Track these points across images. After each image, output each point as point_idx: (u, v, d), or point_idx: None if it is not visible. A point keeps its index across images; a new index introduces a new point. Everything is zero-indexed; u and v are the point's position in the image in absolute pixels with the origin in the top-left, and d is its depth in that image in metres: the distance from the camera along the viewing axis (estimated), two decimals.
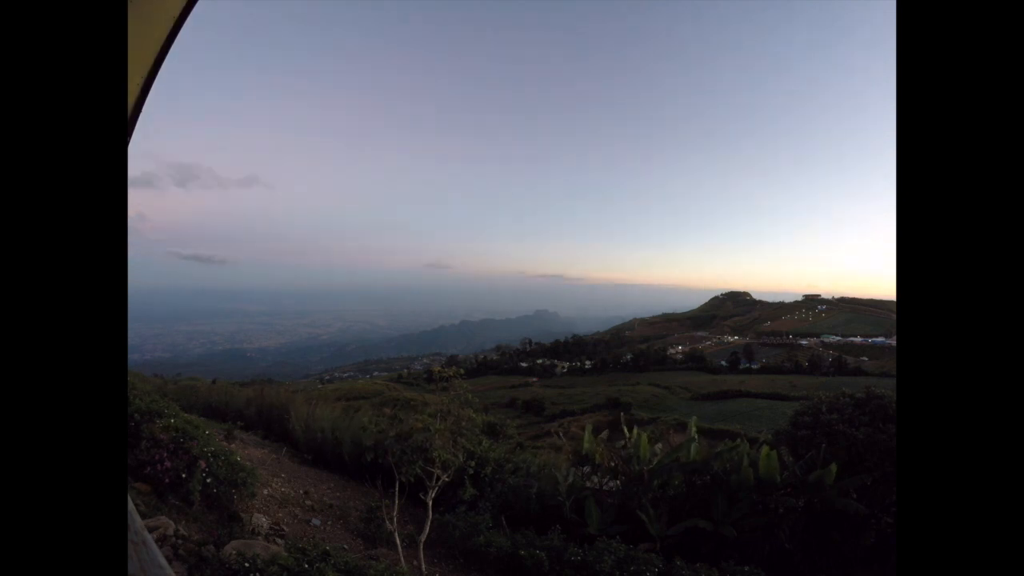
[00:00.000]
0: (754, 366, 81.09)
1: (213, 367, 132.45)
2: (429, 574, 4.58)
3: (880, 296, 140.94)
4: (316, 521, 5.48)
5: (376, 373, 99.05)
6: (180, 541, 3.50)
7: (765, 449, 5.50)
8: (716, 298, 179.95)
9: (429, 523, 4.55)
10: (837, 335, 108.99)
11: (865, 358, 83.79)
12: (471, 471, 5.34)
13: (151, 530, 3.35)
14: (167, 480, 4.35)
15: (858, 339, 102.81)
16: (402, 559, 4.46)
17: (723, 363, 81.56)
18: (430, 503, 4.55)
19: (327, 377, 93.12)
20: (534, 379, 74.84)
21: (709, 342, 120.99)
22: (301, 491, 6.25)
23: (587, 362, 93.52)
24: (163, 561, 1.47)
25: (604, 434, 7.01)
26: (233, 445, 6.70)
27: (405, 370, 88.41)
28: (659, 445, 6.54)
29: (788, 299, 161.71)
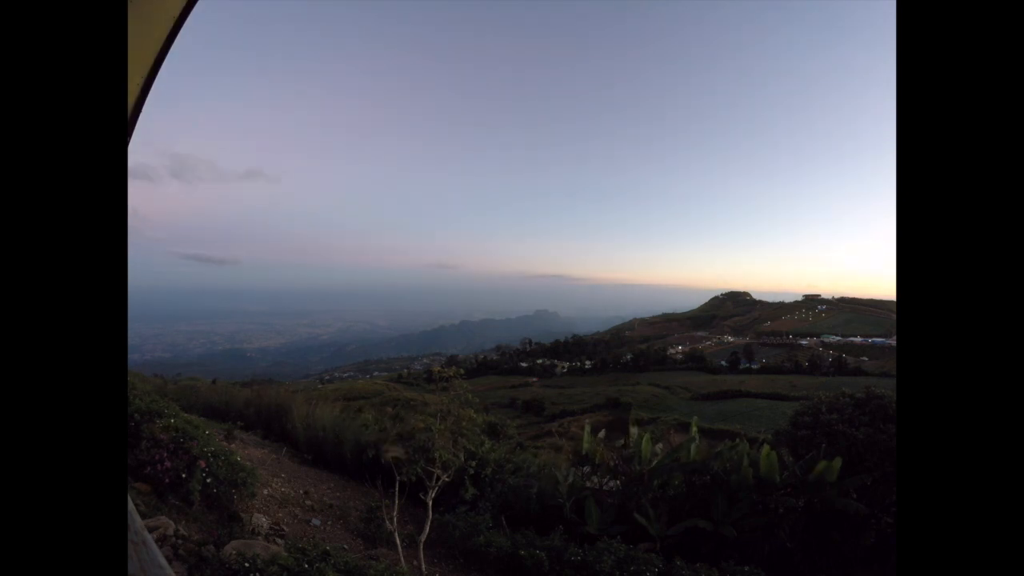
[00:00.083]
0: (754, 366, 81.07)
1: (213, 367, 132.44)
2: (429, 574, 4.58)
3: (880, 296, 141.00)
4: (316, 521, 5.48)
5: (376, 373, 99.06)
6: (180, 541, 3.50)
7: (765, 449, 5.50)
8: (716, 298, 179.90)
9: (429, 523, 4.55)
10: (837, 335, 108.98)
11: (865, 358, 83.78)
12: (471, 471, 5.34)
13: (151, 530, 3.35)
14: (167, 480, 4.35)
15: (858, 339, 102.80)
16: (402, 559, 4.46)
17: (723, 363, 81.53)
18: (430, 503, 4.55)
19: (327, 377, 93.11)
20: (534, 379, 74.81)
21: (709, 342, 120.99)
22: (301, 491, 6.26)
23: (587, 362, 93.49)
24: (163, 561, 1.47)
25: (602, 434, 7.01)
26: (233, 445, 6.70)
27: (405, 370, 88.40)
28: (659, 445, 6.54)
29: (788, 299, 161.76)
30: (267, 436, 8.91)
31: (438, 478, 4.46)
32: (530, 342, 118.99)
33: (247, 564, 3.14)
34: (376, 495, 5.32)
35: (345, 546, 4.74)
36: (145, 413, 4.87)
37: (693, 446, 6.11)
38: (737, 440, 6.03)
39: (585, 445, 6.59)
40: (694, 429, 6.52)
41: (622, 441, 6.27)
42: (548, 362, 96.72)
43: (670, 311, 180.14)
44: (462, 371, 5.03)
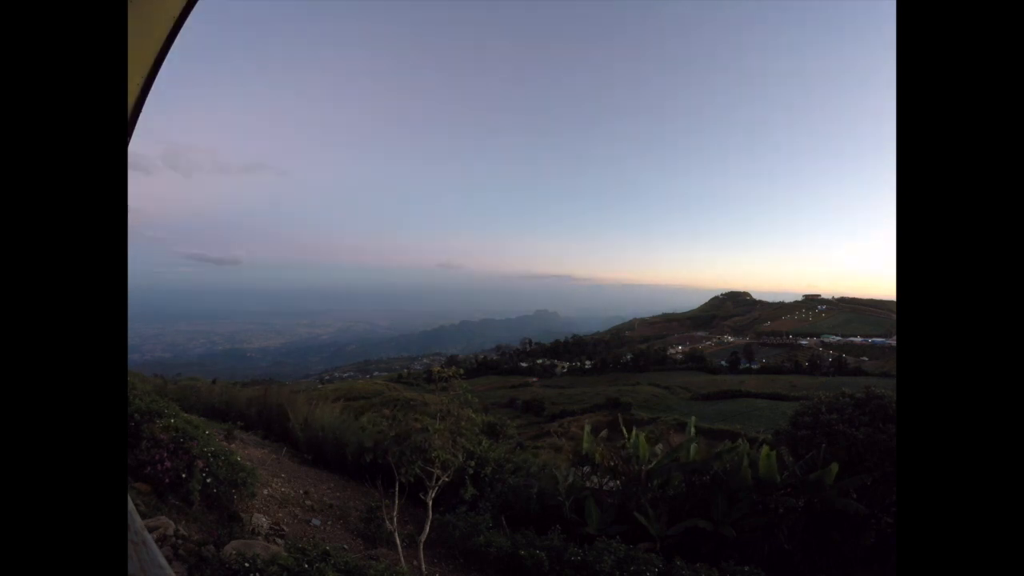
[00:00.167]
0: (754, 366, 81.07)
1: (213, 367, 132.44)
2: (429, 574, 4.58)
3: (880, 296, 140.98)
4: (316, 521, 5.48)
5: (376, 373, 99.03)
6: (180, 541, 3.49)
7: (765, 449, 5.50)
8: (716, 298, 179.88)
9: (429, 523, 4.55)
10: (837, 335, 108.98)
11: (865, 358, 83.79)
12: (471, 471, 5.34)
13: (151, 530, 3.35)
14: (167, 480, 4.35)
15: (858, 339, 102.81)
16: (402, 559, 4.46)
17: (723, 363, 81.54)
18: (430, 503, 4.55)
19: (327, 377, 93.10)
20: (534, 379, 74.79)
21: (709, 342, 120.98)
22: (301, 491, 6.25)
23: (587, 362, 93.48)
24: (163, 561, 1.47)
25: (603, 434, 7.01)
26: (233, 445, 6.70)
27: (405, 370, 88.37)
28: (659, 445, 6.54)
29: (788, 299, 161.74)
30: (267, 436, 8.91)
31: (438, 478, 4.46)
32: (530, 342, 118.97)
33: (247, 564, 3.14)
34: (376, 495, 5.31)
35: (345, 546, 4.74)
36: (145, 413, 4.86)
37: (693, 446, 6.11)
38: (737, 440, 6.03)
39: (585, 445, 6.59)
40: (693, 429, 6.53)
41: (622, 441, 6.27)
42: (548, 362, 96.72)
43: (670, 311, 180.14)
44: (462, 371, 5.03)
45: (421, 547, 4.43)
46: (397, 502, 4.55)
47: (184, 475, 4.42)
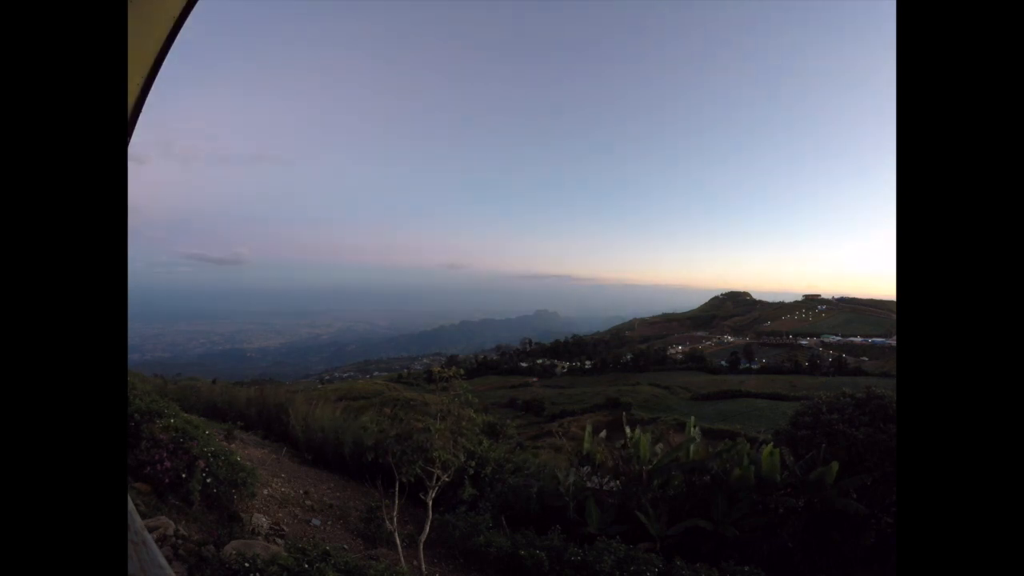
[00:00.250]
0: (754, 366, 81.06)
1: (213, 367, 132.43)
2: (429, 574, 4.58)
3: (880, 296, 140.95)
4: (316, 521, 5.48)
5: (376, 373, 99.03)
6: (180, 541, 3.50)
7: (765, 449, 5.50)
8: (716, 298, 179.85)
9: (429, 523, 4.55)
10: (837, 335, 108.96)
11: (865, 358, 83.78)
12: (471, 471, 5.34)
13: (151, 530, 3.35)
14: (167, 480, 4.35)
15: (858, 339, 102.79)
16: (402, 559, 4.46)
17: (723, 363, 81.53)
18: (430, 503, 4.55)
19: (327, 377, 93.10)
20: (534, 379, 74.79)
21: (709, 342, 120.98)
22: (301, 491, 6.26)
23: (587, 362, 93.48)
24: (163, 561, 1.47)
25: (603, 434, 7.01)
26: (233, 445, 6.70)
27: (405, 370, 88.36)
28: (659, 445, 6.54)
29: (788, 299, 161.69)
30: (267, 436, 8.91)
31: (438, 478, 4.46)
32: (530, 342, 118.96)
33: (247, 564, 3.14)
34: (376, 495, 5.31)
35: (345, 546, 4.74)
36: (145, 413, 4.87)
37: (693, 446, 6.11)
38: (737, 440, 6.03)
39: (586, 445, 6.59)
40: (692, 429, 6.52)
41: (622, 441, 6.27)
42: (548, 362, 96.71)
43: (670, 311, 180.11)
44: (462, 371, 5.03)
45: (421, 547, 4.43)
46: (397, 502, 4.55)
47: (184, 475, 4.42)
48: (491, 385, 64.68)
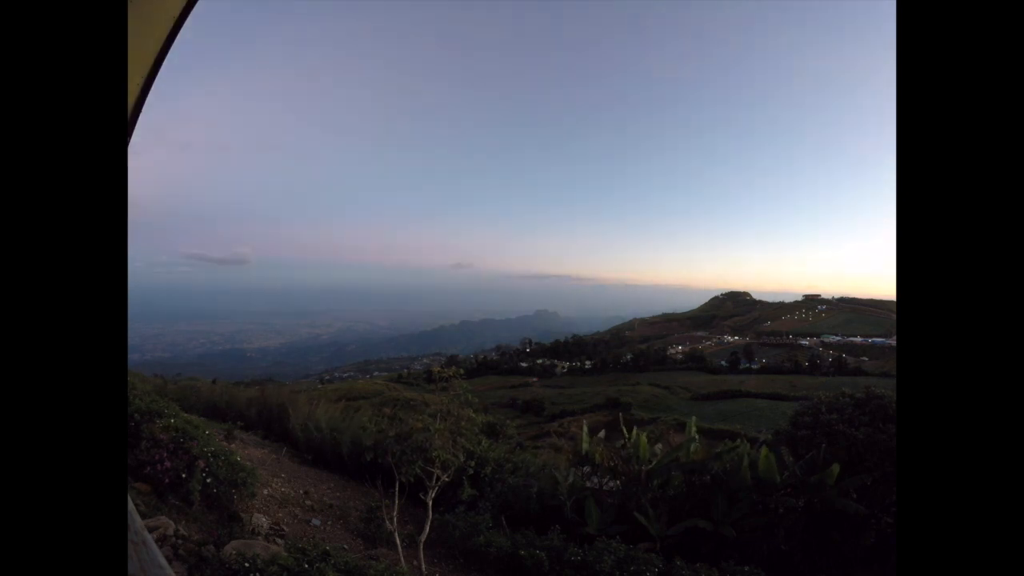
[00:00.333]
0: (754, 366, 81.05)
1: (213, 367, 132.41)
2: (429, 574, 4.58)
3: (880, 296, 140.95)
4: (316, 521, 5.48)
5: (376, 373, 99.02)
6: (180, 541, 3.50)
7: (765, 449, 5.50)
8: (716, 298, 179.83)
9: (429, 523, 4.55)
10: (837, 335, 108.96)
11: (865, 358, 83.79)
12: (471, 471, 5.34)
13: (151, 530, 3.35)
14: (167, 480, 4.35)
15: (858, 339, 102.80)
16: (402, 559, 4.46)
17: (723, 363, 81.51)
18: (430, 503, 4.55)
19: (327, 377, 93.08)
20: (534, 379, 74.77)
21: (709, 342, 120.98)
22: (301, 491, 6.26)
23: (587, 362, 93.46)
24: (163, 561, 1.47)
25: (602, 434, 7.01)
26: (233, 445, 6.70)
27: (405, 370, 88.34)
28: (659, 445, 6.55)
29: (788, 299, 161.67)
30: (267, 436, 8.91)
31: (438, 478, 4.46)
32: (530, 342, 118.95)
33: (247, 564, 3.14)
34: (376, 495, 5.32)
35: (345, 546, 4.74)
36: (145, 413, 4.87)
37: (693, 446, 6.11)
38: (737, 440, 6.03)
39: (584, 445, 6.59)
40: (692, 429, 6.52)
41: (622, 441, 6.27)
42: (548, 362, 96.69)
43: (670, 311, 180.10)
44: (462, 371, 5.03)
45: (421, 547, 4.43)
46: (397, 502, 4.55)
47: (184, 475, 4.42)
48: (491, 385, 64.68)
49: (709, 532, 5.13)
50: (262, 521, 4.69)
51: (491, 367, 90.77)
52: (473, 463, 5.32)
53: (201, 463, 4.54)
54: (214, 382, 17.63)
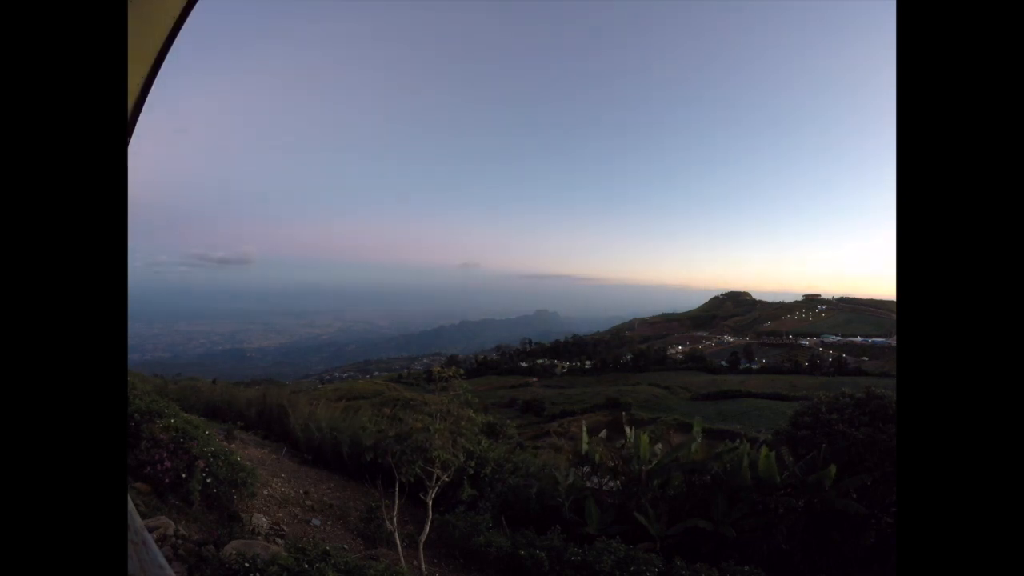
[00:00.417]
0: (754, 366, 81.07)
1: (213, 367, 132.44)
2: (429, 574, 4.58)
3: (880, 296, 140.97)
4: (316, 521, 5.48)
5: (376, 373, 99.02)
6: (180, 541, 3.50)
7: (765, 449, 5.50)
8: (716, 298, 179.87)
9: (429, 523, 4.55)
10: (837, 335, 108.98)
11: (865, 358, 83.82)
12: (471, 471, 5.34)
13: (151, 530, 3.35)
14: (167, 480, 4.35)
15: (858, 339, 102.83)
16: (402, 559, 4.46)
17: (723, 363, 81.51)
18: (430, 503, 4.55)
19: (327, 377, 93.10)
20: (534, 379, 74.76)
21: (709, 342, 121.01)
22: (301, 491, 6.26)
23: (587, 362, 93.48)
24: (163, 561, 1.47)
25: (603, 434, 7.01)
26: (233, 445, 6.70)
27: (405, 370, 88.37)
28: (659, 445, 6.54)
29: (788, 299, 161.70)
30: (267, 436, 8.91)
31: (438, 478, 4.46)
32: (530, 342, 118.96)
33: (247, 564, 3.14)
34: (376, 495, 5.31)
35: (345, 546, 4.74)
36: (145, 413, 4.86)
37: (693, 446, 6.11)
38: (737, 440, 6.03)
39: (584, 445, 6.59)
40: (697, 428, 6.51)
41: (622, 441, 6.27)
42: (548, 362, 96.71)
43: (670, 311, 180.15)
44: (462, 371, 5.02)
45: (421, 547, 4.43)
46: (397, 502, 4.55)
47: (184, 475, 4.42)
48: (491, 385, 64.68)
49: (709, 532, 5.12)
50: (262, 521, 4.69)
51: (491, 367, 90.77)
52: (473, 463, 5.32)
53: (201, 463, 4.54)
54: (214, 382, 17.62)
